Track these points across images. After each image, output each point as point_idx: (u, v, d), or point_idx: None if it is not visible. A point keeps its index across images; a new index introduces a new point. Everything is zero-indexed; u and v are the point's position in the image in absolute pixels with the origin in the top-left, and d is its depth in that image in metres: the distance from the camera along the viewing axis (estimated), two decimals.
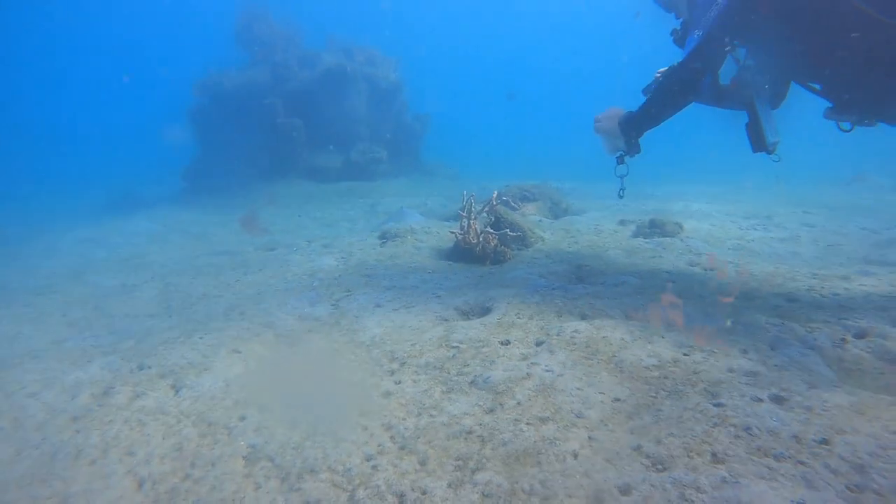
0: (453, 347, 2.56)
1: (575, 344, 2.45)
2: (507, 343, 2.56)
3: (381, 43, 15.89)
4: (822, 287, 3.35)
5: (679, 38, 2.93)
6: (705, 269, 3.87)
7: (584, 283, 3.59)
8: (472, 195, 4.77)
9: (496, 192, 5.31)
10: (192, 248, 6.19)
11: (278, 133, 11.03)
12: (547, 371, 2.22)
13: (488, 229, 4.67)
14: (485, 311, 3.16)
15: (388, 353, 2.62)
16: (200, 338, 2.97)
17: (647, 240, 4.84)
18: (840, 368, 2.28)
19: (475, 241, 4.57)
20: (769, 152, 2.84)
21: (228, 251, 5.65)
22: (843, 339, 2.56)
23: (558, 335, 2.56)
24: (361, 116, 11.43)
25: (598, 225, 5.58)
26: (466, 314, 3.21)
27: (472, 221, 4.61)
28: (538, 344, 2.52)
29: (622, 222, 5.61)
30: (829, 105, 2.65)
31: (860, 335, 2.59)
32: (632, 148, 3.09)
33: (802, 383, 2.05)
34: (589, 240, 4.93)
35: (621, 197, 3.25)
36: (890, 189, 8.43)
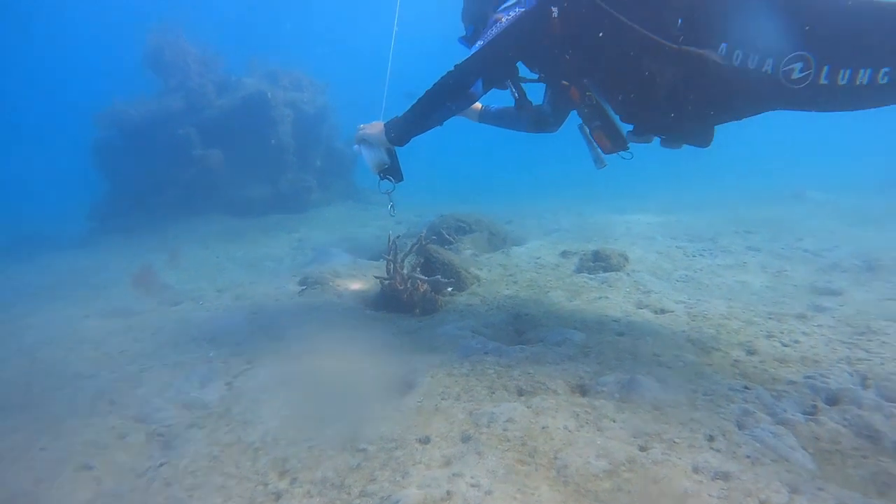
0: (360, 451, 2.09)
1: (508, 441, 2.03)
2: (427, 441, 2.11)
3: (315, 63, 15.40)
4: (781, 331, 3.08)
5: (469, 45, 2.98)
6: (656, 313, 3.55)
7: (522, 340, 3.20)
8: (396, 237, 4.34)
9: (424, 231, 4.90)
10: (82, 306, 5.45)
11: (195, 165, 10.29)
12: (473, 486, 1.78)
13: (416, 273, 4.24)
14: (405, 387, 2.71)
15: (278, 461, 2.11)
16: (42, 449, 2.37)
17: (591, 275, 4.53)
18: (817, 451, 1.95)
19: (402, 287, 4.13)
20: (625, 149, 2.77)
21: (124, 310, 4.97)
22: (814, 406, 2.26)
23: (489, 426, 2.13)
24: (287, 144, 10.81)
25: (539, 258, 5.25)
26: (386, 389, 2.75)
27: (397, 266, 4.19)
28: (464, 440, 2.08)
29: (564, 254, 5.30)
30: (630, 128, 2.66)
31: (832, 400, 2.30)
32: (394, 165, 3.04)
33: (782, 487, 1.69)
34: (529, 278, 4.57)
35: (392, 215, 3.29)
36: (822, 204, 8.56)
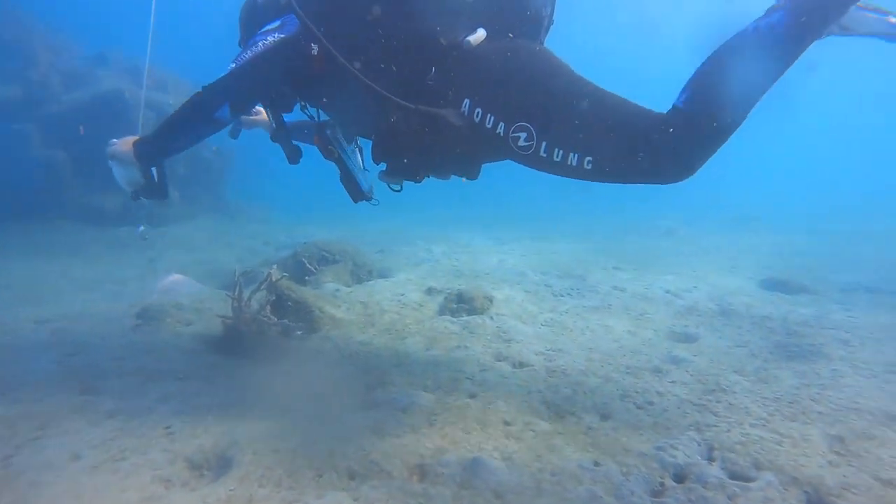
0: None
1: None
2: None
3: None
4: (636, 390, 3.04)
5: None
6: (514, 367, 3.41)
7: (369, 400, 2.89)
8: (243, 273, 3.90)
9: (275, 267, 4.49)
10: None
11: (38, 167, 9.06)
12: None
13: (265, 314, 3.82)
14: (224, 464, 2.30)
15: None
16: None
17: (453, 319, 4.34)
18: None
19: (246, 328, 3.70)
20: (368, 199, 2.93)
21: None
22: (662, 484, 2.16)
23: None
24: None
25: (403, 295, 4.99)
26: (199, 468, 2.31)
27: (243, 304, 3.75)
28: None
29: (430, 291, 5.09)
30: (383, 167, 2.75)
31: (679, 477, 2.23)
32: (150, 184, 2.87)
33: None
34: (388, 320, 4.29)
35: (144, 239, 3.09)
36: (689, 241, 9.17)
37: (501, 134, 2.21)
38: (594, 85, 2.22)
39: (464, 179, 2.65)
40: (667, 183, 2.13)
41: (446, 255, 7.35)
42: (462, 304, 4.54)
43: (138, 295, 5.29)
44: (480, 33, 2.31)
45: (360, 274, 5.80)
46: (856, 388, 2.99)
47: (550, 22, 2.60)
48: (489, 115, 2.22)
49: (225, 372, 3.29)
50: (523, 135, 2.16)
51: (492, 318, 4.36)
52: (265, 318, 3.80)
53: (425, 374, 3.19)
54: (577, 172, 2.16)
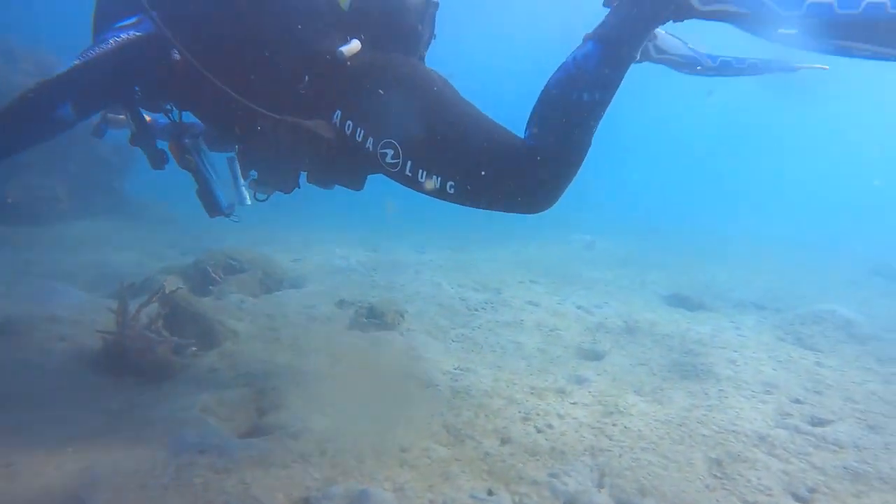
0: None
1: None
2: None
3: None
4: (538, 412, 3.08)
5: None
6: (418, 387, 3.37)
7: (260, 425, 2.76)
8: (130, 285, 3.64)
9: (169, 278, 4.24)
10: None
11: None
12: None
13: (158, 326, 3.57)
14: None
15: None
16: None
17: (363, 334, 4.26)
18: None
19: (132, 345, 3.43)
20: (227, 215, 2.83)
21: None
22: None
23: None
24: None
25: (313, 307, 4.85)
26: None
27: (129, 318, 3.49)
28: None
29: (341, 304, 4.98)
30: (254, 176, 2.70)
31: None
32: None
33: None
34: (293, 335, 4.14)
35: None
36: (607, 253, 9.49)
37: (370, 149, 2.19)
38: (468, 108, 2.23)
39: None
40: (528, 213, 2.20)
41: (363, 263, 7.23)
42: (373, 318, 4.45)
43: (4, 304, 4.81)
44: (355, 45, 2.26)
45: (270, 284, 5.59)
46: (736, 410, 3.18)
47: (431, 37, 2.58)
48: (359, 129, 2.20)
49: (98, 396, 3.01)
50: (390, 152, 2.16)
51: (402, 333, 4.31)
52: (154, 334, 3.55)
53: (324, 395, 3.09)
54: (441, 195, 2.18)
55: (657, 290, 6.81)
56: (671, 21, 2.08)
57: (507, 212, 2.25)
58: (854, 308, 5.81)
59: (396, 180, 2.27)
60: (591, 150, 2.17)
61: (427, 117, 2.15)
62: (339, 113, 2.24)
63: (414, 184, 2.19)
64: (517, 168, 2.08)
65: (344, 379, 3.39)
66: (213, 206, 2.75)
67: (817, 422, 3.16)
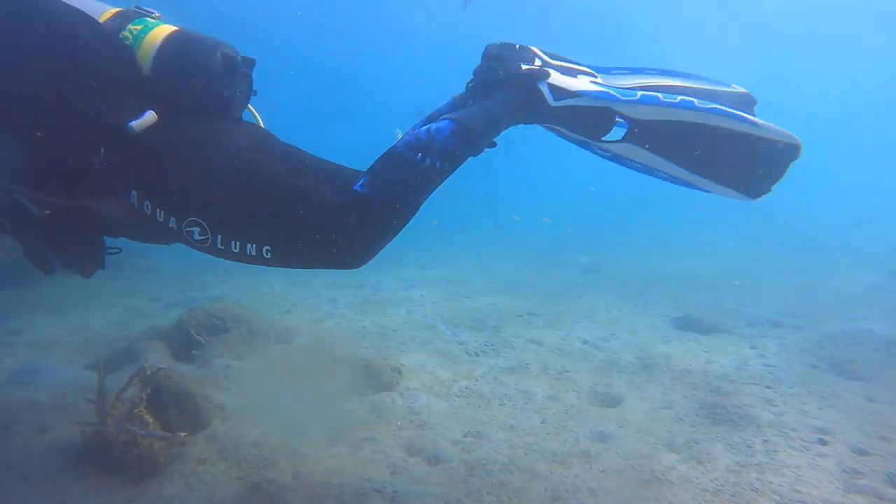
0: None
1: None
2: None
3: None
4: (567, 488, 2.76)
5: None
6: (429, 464, 3.05)
7: None
8: (103, 375, 3.28)
9: (151, 345, 3.90)
10: None
11: None
12: None
13: (139, 413, 3.21)
14: None
15: None
16: None
17: (361, 398, 3.92)
18: None
19: (114, 438, 3.09)
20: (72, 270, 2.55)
21: None
22: None
23: None
24: None
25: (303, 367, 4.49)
26: None
27: (109, 407, 3.14)
28: None
29: (332, 360, 4.62)
30: None
31: None
32: None
33: None
34: (285, 404, 3.79)
35: None
36: (609, 274, 9.25)
37: (175, 228, 2.05)
38: (281, 166, 2.09)
39: None
40: (343, 268, 2.16)
41: (351, 306, 6.88)
42: (369, 378, 4.12)
43: None
44: (149, 117, 2.00)
45: (256, 342, 5.21)
46: (794, 470, 2.88)
47: (249, 94, 2.40)
48: (158, 210, 2.03)
49: (80, 499, 2.69)
50: (196, 229, 2.03)
51: (402, 394, 3.98)
52: (137, 423, 3.20)
53: (326, 488, 2.75)
54: (260, 261, 2.08)
55: (664, 311, 6.57)
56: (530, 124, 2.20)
57: (325, 268, 2.20)
58: (888, 321, 5.60)
59: (210, 255, 2.15)
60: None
61: (231, 188, 2.02)
62: (134, 193, 2.05)
63: (228, 255, 2.08)
64: (332, 226, 2.01)
65: (345, 462, 3.05)
66: (44, 267, 2.45)
67: None
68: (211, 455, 3.16)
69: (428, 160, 2.01)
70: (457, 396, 4.08)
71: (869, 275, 8.64)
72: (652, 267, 9.34)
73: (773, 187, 2.17)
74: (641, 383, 4.32)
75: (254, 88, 2.42)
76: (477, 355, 4.96)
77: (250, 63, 2.34)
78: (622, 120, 2.14)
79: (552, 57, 2.28)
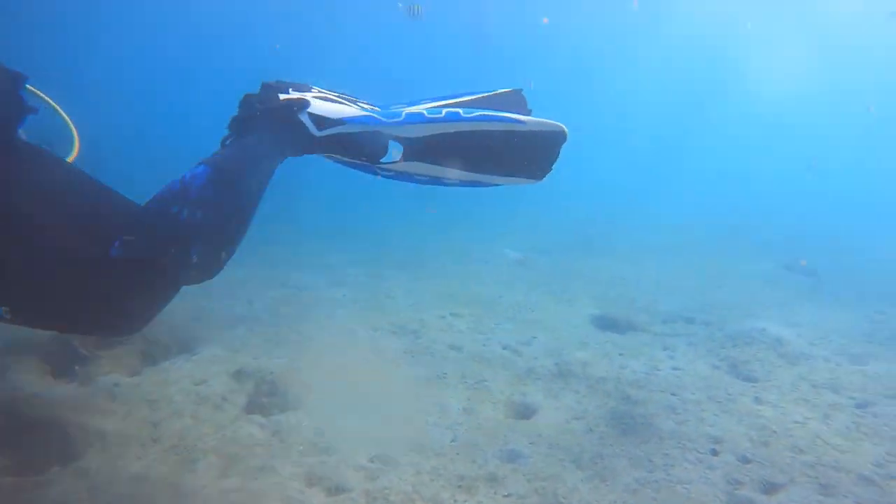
0: None
1: None
2: None
3: None
4: None
5: None
6: (329, 494, 2.91)
7: None
8: None
9: (15, 364, 3.58)
10: None
11: None
12: None
13: None
14: None
15: None
16: None
17: (263, 419, 3.75)
18: None
19: None
20: None
21: None
22: None
23: None
24: None
25: (205, 384, 4.26)
26: None
27: None
28: None
29: (239, 375, 4.40)
30: None
31: None
32: None
33: None
34: (179, 429, 3.59)
35: None
36: (535, 269, 9.29)
37: None
38: (39, 201, 1.85)
39: None
40: (110, 336, 2.13)
41: (269, 308, 6.61)
42: (275, 396, 3.95)
43: None
44: None
45: (156, 353, 4.91)
46: (686, 487, 2.94)
47: (24, 112, 2.07)
48: None
49: None
50: (4, 308, 1.84)
51: (310, 412, 3.82)
52: None
53: None
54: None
55: (585, 309, 6.65)
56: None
57: (88, 334, 2.07)
58: (779, 319, 5.88)
59: None
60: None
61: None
62: None
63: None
64: (82, 293, 1.82)
65: (236, 496, 2.88)
66: None
67: (770, 488, 2.97)
68: (76, 496, 2.89)
69: (185, 212, 1.84)
70: (371, 411, 3.96)
71: (767, 265, 9.10)
72: (584, 263, 9.47)
73: (553, 167, 2.29)
74: (557, 391, 4.33)
75: (33, 106, 2.15)
76: (396, 364, 4.85)
77: (19, 78, 2.04)
78: (396, 141, 2.18)
79: (328, 92, 2.25)
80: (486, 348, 5.21)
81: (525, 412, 4.07)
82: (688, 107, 33.23)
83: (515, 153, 2.21)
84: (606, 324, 6.04)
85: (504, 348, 5.21)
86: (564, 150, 2.28)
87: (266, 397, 3.95)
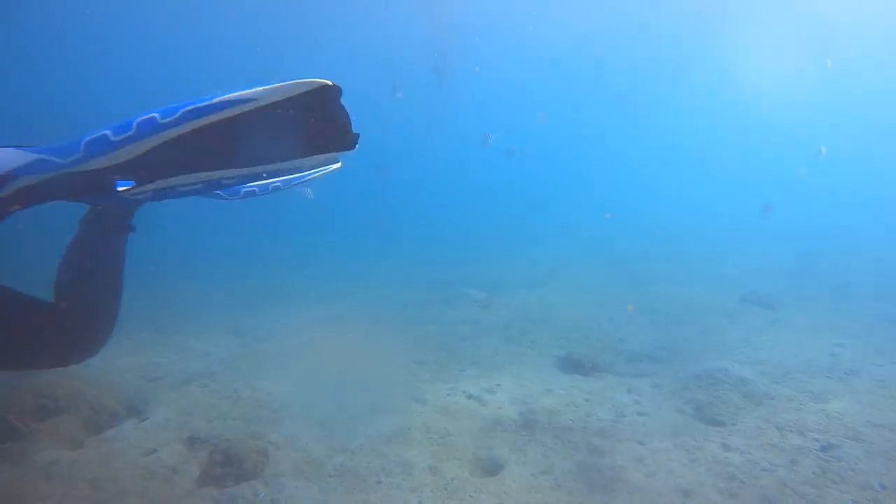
0: None
1: None
2: None
3: None
4: None
5: None
6: None
7: None
8: None
9: None
10: None
11: None
12: None
13: None
14: None
15: None
16: None
17: (219, 492, 3.54)
18: None
19: None
20: None
21: None
22: None
23: None
24: None
25: (155, 454, 4.04)
26: None
27: None
28: None
29: (192, 442, 4.20)
30: None
31: None
32: None
33: None
34: None
35: None
36: (497, 310, 9.24)
37: None
38: None
39: None
40: None
41: (224, 362, 6.38)
42: (229, 466, 3.75)
43: None
44: None
45: (101, 420, 4.64)
46: None
47: None
48: None
49: None
50: None
51: (266, 482, 3.64)
52: None
53: None
54: None
55: (549, 350, 6.62)
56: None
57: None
58: (741, 356, 5.96)
59: None
60: None
61: None
62: None
63: None
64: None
65: None
66: None
67: None
68: None
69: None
70: (330, 476, 3.80)
71: (724, 297, 9.27)
72: (545, 302, 9.48)
73: (348, 128, 1.85)
74: (523, 444, 4.25)
75: None
76: (357, 421, 4.70)
77: None
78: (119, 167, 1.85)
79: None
80: (451, 398, 5.10)
81: (491, 468, 3.97)
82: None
83: (286, 131, 1.82)
84: (571, 365, 6.01)
85: (469, 398, 5.11)
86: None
87: (220, 467, 3.75)
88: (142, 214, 2.28)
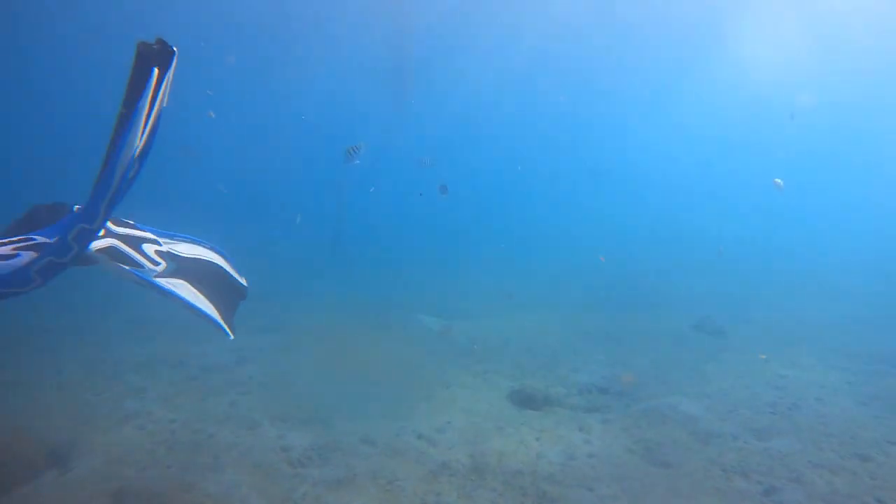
0: None
1: None
2: None
3: None
4: None
5: None
6: None
7: None
8: None
9: None
10: None
11: None
12: None
13: None
14: None
15: None
16: None
17: None
18: None
19: None
20: None
21: None
22: None
23: None
24: None
25: None
26: None
27: None
28: None
29: (118, 499, 3.95)
30: None
31: None
32: None
33: None
34: None
35: None
36: (454, 339, 9.17)
37: None
38: None
39: None
40: None
41: (163, 398, 6.08)
42: None
43: None
44: None
45: (15, 476, 4.30)
46: None
47: None
48: None
49: None
50: None
51: None
52: None
53: None
54: None
55: (501, 382, 6.60)
56: None
57: None
58: (690, 390, 6.05)
59: None
60: None
61: None
62: None
63: None
64: None
65: None
66: None
67: None
68: None
69: None
70: None
71: (676, 324, 9.46)
72: (504, 330, 9.47)
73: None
74: (472, 490, 4.17)
75: None
76: (302, 466, 4.53)
77: None
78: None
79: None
80: (400, 439, 5.00)
81: None
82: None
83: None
84: (523, 399, 5.99)
85: (419, 438, 5.02)
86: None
87: None
88: None
